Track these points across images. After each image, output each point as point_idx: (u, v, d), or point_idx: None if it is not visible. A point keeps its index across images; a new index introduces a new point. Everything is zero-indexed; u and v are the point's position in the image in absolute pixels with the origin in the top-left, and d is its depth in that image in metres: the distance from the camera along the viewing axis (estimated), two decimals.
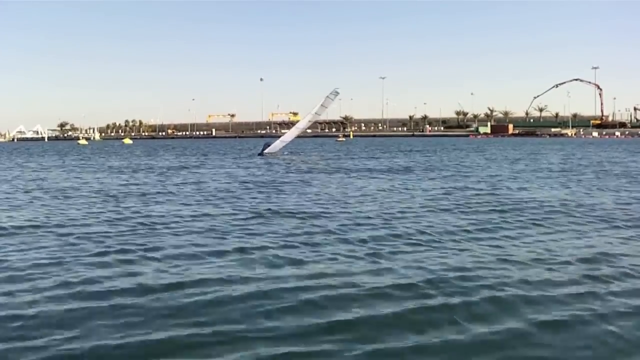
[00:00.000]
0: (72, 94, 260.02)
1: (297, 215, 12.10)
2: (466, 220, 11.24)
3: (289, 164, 32.13)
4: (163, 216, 12.27)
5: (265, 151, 43.32)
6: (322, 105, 43.20)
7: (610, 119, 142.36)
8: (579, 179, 21.23)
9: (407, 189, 18.05)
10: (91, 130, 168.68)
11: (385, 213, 12.33)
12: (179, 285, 6.68)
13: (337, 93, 43.31)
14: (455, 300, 6.11)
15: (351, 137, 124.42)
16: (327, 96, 43.04)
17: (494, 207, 13.15)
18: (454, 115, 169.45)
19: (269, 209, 13.04)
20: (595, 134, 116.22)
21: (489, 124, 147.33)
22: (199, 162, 36.44)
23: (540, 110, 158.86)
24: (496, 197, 15.24)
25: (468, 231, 10.12)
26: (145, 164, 35.96)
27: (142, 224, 11.25)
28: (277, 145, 44.16)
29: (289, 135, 45.44)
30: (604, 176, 22.38)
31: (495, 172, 24.81)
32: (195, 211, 13.00)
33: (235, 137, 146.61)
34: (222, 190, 17.88)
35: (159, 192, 17.59)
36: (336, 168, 28.62)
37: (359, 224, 10.92)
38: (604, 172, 24.38)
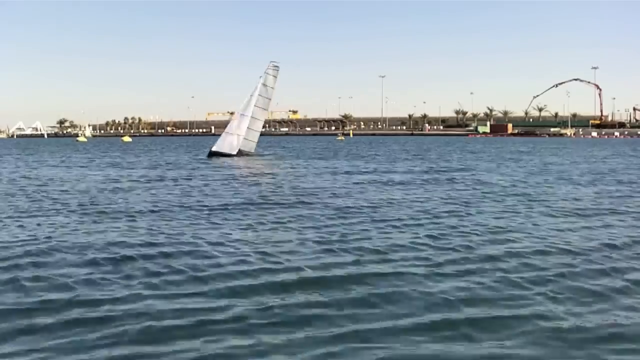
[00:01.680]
0: (72, 90, 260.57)
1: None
2: None
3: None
4: None
5: (215, 149, 36.43)
6: (263, 84, 37.30)
7: (609, 119, 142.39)
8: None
9: None
10: (86, 127, 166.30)
11: None
12: None
13: (277, 67, 37.86)
14: None
15: (351, 135, 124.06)
16: (265, 72, 37.56)
17: None
18: (454, 115, 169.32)
19: None
20: (594, 134, 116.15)
21: (488, 123, 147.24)
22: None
23: (540, 110, 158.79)
24: None
25: None
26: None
27: None
28: (229, 140, 36.46)
29: (235, 125, 36.76)
30: None
31: None
32: None
33: None
34: None
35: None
36: None
37: None
38: None
